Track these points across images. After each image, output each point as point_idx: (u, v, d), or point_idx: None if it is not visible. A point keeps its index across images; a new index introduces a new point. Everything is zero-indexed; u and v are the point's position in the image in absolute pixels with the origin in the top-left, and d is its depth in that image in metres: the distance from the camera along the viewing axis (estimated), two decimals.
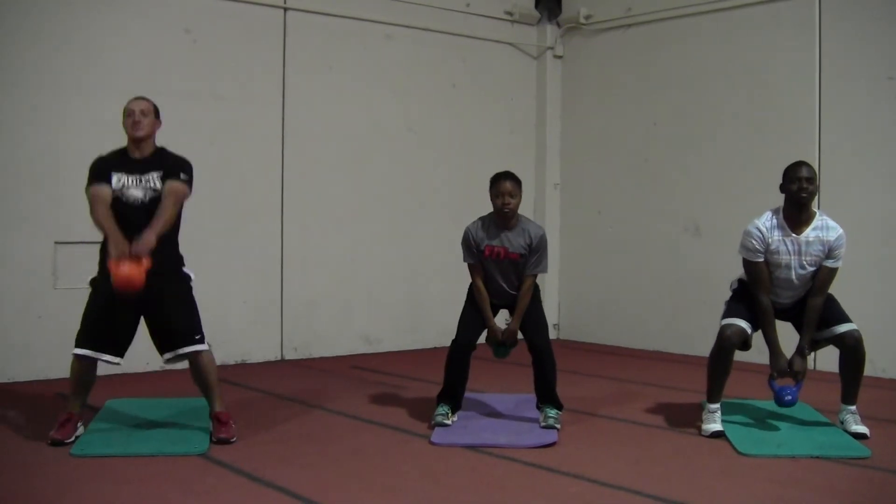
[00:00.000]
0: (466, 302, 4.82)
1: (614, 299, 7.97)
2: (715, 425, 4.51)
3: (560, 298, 8.35)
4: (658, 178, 7.61)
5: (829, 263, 4.48)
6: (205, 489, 3.63)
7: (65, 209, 5.97)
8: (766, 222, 4.52)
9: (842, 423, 4.57)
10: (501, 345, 4.75)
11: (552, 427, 4.54)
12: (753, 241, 4.51)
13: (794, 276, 4.51)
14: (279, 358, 6.96)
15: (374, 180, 7.43)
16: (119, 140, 6.38)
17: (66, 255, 5.96)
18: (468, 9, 7.91)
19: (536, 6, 8.35)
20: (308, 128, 7.06)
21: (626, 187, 7.87)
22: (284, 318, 6.99)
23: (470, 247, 4.71)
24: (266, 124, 6.88)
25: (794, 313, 4.65)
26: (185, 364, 4.46)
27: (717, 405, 4.58)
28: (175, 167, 4.35)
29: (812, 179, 4.43)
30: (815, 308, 4.51)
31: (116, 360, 4.34)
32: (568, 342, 8.11)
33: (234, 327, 6.64)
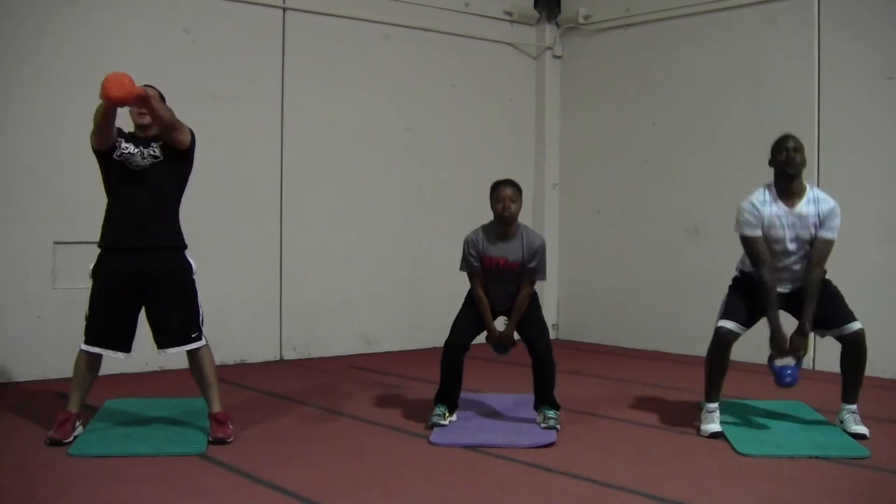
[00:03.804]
0: (464, 304, 4.81)
1: (614, 299, 7.97)
2: (714, 426, 4.50)
3: (560, 298, 8.36)
4: (658, 179, 7.61)
5: (824, 234, 4.44)
6: (204, 489, 3.62)
7: (64, 209, 5.97)
8: (758, 197, 4.52)
9: (841, 422, 4.56)
10: (500, 346, 4.79)
11: (552, 427, 4.54)
12: (748, 216, 4.49)
13: (789, 248, 4.47)
14: (278, 358, 6.95)
15: (374, 180, 7.43)
16: None
17: (65, 255, 5.96)
18: (467, 9, 7.91)
19: (535, 6, 8.35)
20: (307, 128, 7.06)
21: (625, 187, 7.87)
22: (284, 318, 6.99)
23: (470, 256, 4.68)
24: (265, 124, 6.88)
25: (793, 302, 4.61)
26: (181, 359, 4.46)
27: (716, 405, 4.57)
28: None
29: (798, 150, 4.43)
30: (813, 282, 4.46)
31: (124, 355, 4.37)
32: (567, 342, 8.11)
33: (234, 327, 6.63)
